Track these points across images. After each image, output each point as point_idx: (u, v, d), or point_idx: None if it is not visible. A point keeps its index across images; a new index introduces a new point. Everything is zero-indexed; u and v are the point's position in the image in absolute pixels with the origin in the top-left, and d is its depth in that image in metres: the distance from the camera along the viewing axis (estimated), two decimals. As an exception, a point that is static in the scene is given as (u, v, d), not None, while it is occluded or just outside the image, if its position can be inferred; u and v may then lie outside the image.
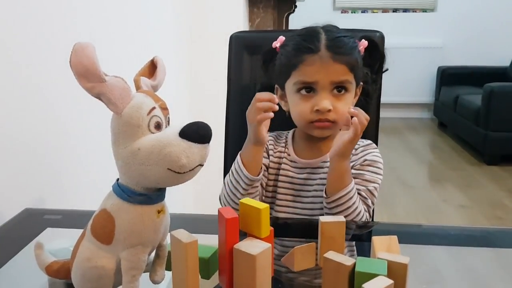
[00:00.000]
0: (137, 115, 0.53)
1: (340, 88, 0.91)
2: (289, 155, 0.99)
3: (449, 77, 4.86)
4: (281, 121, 0.98)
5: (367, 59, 0.96)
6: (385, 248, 0.57)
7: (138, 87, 0.58)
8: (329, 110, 0.89)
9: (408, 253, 0.54)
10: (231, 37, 1.21)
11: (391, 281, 0.48)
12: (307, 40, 0.92)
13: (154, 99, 0.55)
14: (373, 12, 5.32)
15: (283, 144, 1.01)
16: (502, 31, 5.04)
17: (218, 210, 0.56)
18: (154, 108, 0.54)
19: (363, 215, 0.91)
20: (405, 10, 5.29)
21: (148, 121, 0.53)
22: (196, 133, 0.53)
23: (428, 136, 4.75)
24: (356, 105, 0.96)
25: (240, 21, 2.19)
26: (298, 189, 0.97)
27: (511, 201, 3.02)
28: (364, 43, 0.95)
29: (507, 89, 3.77)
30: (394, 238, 0.59)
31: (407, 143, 4.39)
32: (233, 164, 0.95)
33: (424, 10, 5.26)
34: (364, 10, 5.33)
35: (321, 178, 0.95)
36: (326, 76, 0.89)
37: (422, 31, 5.18)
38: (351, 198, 0.88)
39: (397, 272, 0.51)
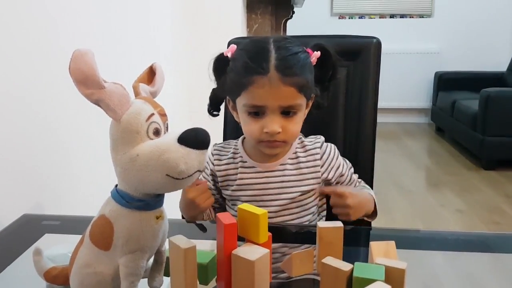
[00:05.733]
0: (136, 122, 0.53)
1: (288, 111, 0.90)
2: (245, 161, 0.98)
3: (446, 82, 4.88)
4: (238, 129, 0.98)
5: (319, 67, 0.94)
6: (382, 253, 0.57)
7: (137, 94, 0.59)
8: (278, 132, 0.89)
9: (406, 258, 0.55)
10: (229, 43, 1.21)
11: (388, 287, 0.48)
12: (256, 60, 0.88)
13: (153, 105, 0.56)
14: (370, 18, 5.34)
15: (232, 153, 1.00)
16: (499, 36, 5.07)
17: (217, 216, 0.57)
18: (152, 114, 0.54)
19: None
20: (402, 16, 5.31)
21: (146, 127, 0.54)
22: (195, 139, 0.53)
23: (425, 141, 4.76)
24: (307, 116, 0.96)
25: (238, 27, 2.20)
26: (260, 193, 0.96)
27: (508, 206, 3.03)
28: (316, 54, 0.93)
29: (504, 94, 3.78)
30: (392, 243, 0.59)
31: (404, 148, 4.40)
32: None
33: (421, 16, 5.28)
34: (361, 16, 5.36)
35: (282, 181, 0.96)
36: (275, 100, 0.88)
37: (419, 37, 5.21)
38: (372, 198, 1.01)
39: (395, 278, 0.51)
